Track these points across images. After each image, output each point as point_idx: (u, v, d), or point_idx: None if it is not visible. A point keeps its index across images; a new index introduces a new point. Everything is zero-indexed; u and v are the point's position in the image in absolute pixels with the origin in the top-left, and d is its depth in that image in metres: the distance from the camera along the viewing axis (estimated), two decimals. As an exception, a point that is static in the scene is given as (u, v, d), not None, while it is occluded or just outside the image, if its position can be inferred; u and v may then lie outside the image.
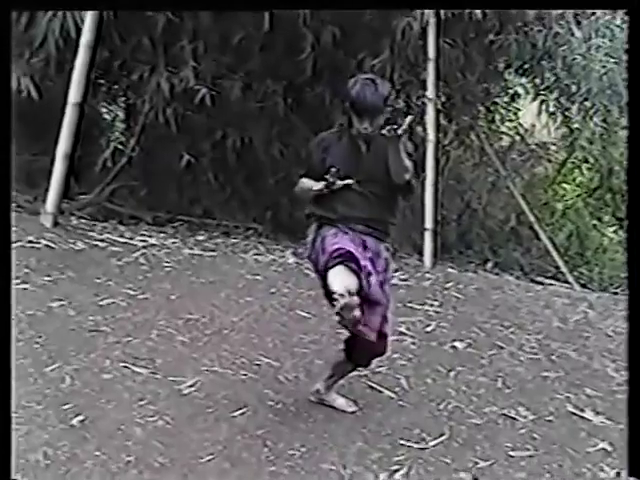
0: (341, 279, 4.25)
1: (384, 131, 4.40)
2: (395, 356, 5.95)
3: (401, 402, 5.23)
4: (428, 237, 8.90)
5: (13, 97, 7.31)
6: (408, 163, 4.62)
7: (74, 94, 8.08)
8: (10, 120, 3.66)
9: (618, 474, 4.51)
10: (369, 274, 4.45)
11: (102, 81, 10.03)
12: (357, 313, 4.15)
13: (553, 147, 13.39)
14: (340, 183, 4.53)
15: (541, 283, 9.61)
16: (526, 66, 11.22)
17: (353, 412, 4.97)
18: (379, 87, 4.55)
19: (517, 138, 12.92)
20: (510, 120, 12.89)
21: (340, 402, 5.01)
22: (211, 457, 4.29)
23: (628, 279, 3.72)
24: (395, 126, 4.39)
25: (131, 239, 8.36)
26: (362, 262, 4.37)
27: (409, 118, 4.46)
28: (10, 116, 3.66)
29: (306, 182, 4.72)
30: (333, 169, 4.54)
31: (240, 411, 4.84)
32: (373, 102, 4.51)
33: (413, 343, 6.31)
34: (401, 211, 5.36)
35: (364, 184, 4.61)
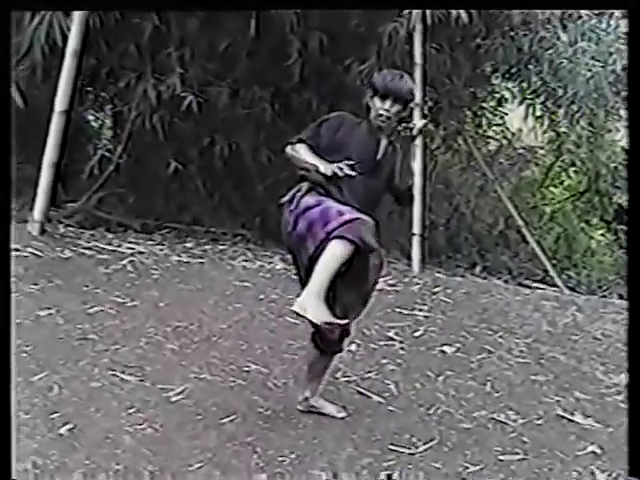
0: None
1: (400, 128, 4.41)
2: (384, 361, 5.96)
3: (390, 407, 5.22)
4: (416, 242, 8.92)
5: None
6: (414, 168, 4.65)
7: (60, 102, 8.06)
8: (10, 120, 3.64)
9: (609, 477, 4.52)
10: None
11: (89, 88, 10.02)
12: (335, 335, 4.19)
13: (540, 151, 13.45)
14: (344, 173, 4.42)
15: (529, 287, 9.63)
16: (512, 70, 11.27)
17: (342, 418, 4.97)
18: (405, 77, 4.59)
19: (504, 142, 12.97)
20: (497, 124, 12.95)
21: (329, 408, 5.00)
22: (200, 464, 4.28)
23: (628, 279, 3.72)
24: (410, 125, 4.40)
25: (119, 247, 8.34)
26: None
27: (424, 120, 4.48)
28: (10, 116, 3.65)
29: (305, 153, 4.60)
30: (351, 162, 4.43)
31: (229, 418, 4.82)
32: (397, 86, 4.52)
33: (402, 348, 6.30)
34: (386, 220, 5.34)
35: (368, 181, 4.53)
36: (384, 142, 4.60)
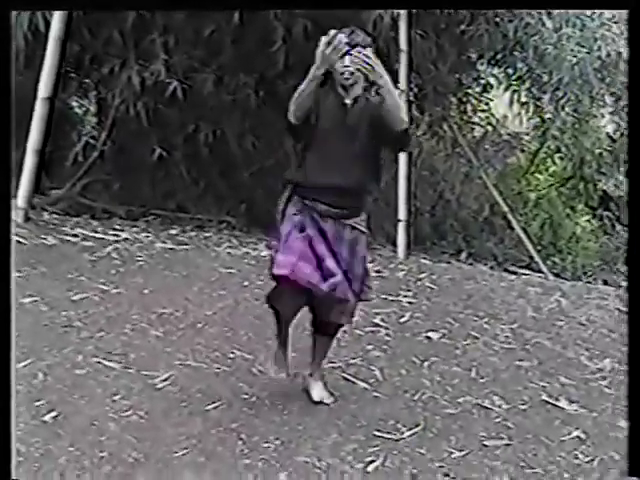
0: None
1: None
2: (369, 347, 5.97)
3: (375, 393, 5.23)
4: (401, 228, 8.92)
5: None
6: (400, 107, 4.65)
7: (44, 88, 8.02)
8: (10, 119, 3.61)
9: (592, 461, 4.54)
10: (330, 272, 4.54)
11: (73, 75, 9.97)
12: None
13: (526, 137, 13.48)
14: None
15: (515, 273, 9.66)
16: (498, 56, 11.29)
17: (327, 404, 4.97)
18: (355, 31, 4.53)
19: (489, 128, 12.97)
20: (482, 110, 12.94)
21: (315, 392, 5.02)
22: (185, 451, 4.27)
23: (628, 278, 3.73)
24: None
25: (104, 234, 8.33)
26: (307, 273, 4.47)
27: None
28: (10, 115, 3.62)
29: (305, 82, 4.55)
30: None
31: (214, 405, 4.82)
32: (352, 40, 4.46)
33: (387, 334, 6.32)
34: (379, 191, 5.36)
35: (346, 144, 4.59)
36: (349, 101, 4.63)
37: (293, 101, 4.54)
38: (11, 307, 3.39)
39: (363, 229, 4.77)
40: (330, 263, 4.54)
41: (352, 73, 4.52)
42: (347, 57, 4.45)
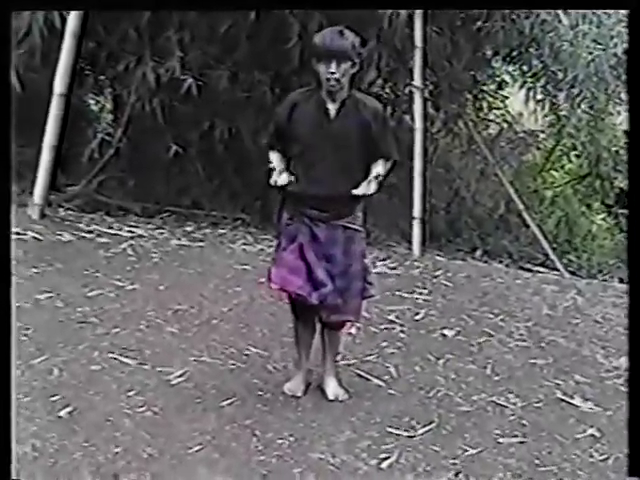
0: None
1: None
2: (384, 344, 5.96)
3: (390, 390, 5.21)
4: (417, 225, 8.91)
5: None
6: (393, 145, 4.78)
7: (59, 85, 8.05)
8: (10, 118, 3.63)
9: (606, 459, 4.52)
10: (319, 283, 4.59)
11: (89, 72, 10.00)
12: None
13: (541, 134, 13.42)
14: (279, 183, 4.56)
15: (530, 270, 9.63)
16: (513, 53, 11.26)
17: (342, 401, 4.97)
18: (345, 34, 4.49)
19: (505, 126, 12.91)
20: (498, 108, 12.91)
21: (329, 389, 5.01)
22: (200, 447, 4.28)
23: (629, 279, 3.71)
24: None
25: (119, 230, 8.35)
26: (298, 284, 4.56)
27: None
28: (10, 114, 3.63)
29: (274, 157, 4.76)
30: (289, 178, 4.58)
31: (229, 401, 4.82)
32: (338, 46, 4.44)
33: (402, 331, 6.30)
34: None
35: (331, 152, 4.58)
36: (333, 106, 4.60)
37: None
38: (11, 306, 3.39)
39: (357, 227, 4.76)
40: (320, 273, 4.57)
41: (338, 80, 4.48)
42: (332, 63, 4.43)
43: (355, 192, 4.48)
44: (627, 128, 5.51)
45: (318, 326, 4.99)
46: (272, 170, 4.64)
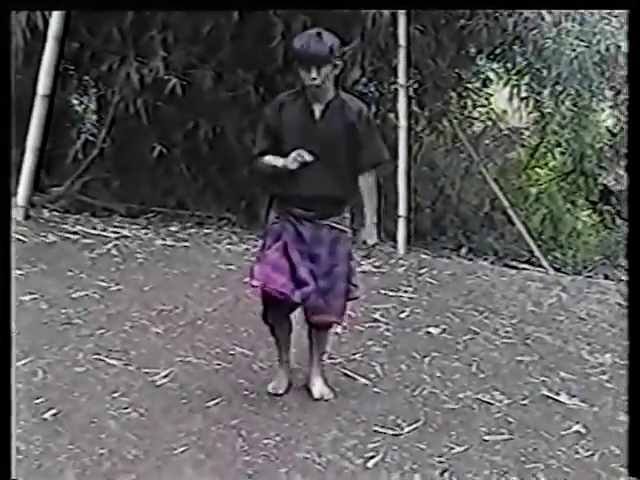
0: None
1: None
2: (369, 343, 5.97)
3: (376, 389, 5.23)
4: (402, 224, 8.91)
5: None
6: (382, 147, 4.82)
7: (43, 86, 8.02)
8: (10, 118, 3.61)
9: (592, 455, 4.54)
10: (302, 282, 4.59)
11: (72, 72, 9.97)
12: None
13: (525, 132, 13.44)
14: (307, 158, 4.51)
15: (515, 267, 9.65)
16: (497, 51, 11.28)
17: (327, 400, 4.97)
18: (323, 37, 4.50)
19: (489, 123, 12.94)
20: (482, 105, 12.91)
21: (315, 388, 5.01)
22: (185, 448, 4.28)
23: (629, 278, 3.72)
24: None
25: (103, 231, 8.33)
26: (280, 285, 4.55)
27: None
28: (10, 115, 3.62)
29: (272, 159, 4.67)
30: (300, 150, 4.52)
31: (214, 401, 4.82)
32: (317, 51, 4.44)
33: (387, 330, 6.31)
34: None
35: (317, 153, 4.55)
36: (318, 108, 4.63)
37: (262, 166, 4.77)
38: (11, 306, 3.38)
39: (343, 228, 4.77)
40: (303, 272, 4.58)
41: (319, 85, 4.50)
42: (313, 68, 4.44)
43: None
44: (627, 128, 5.50)
45: (305, 326, 4.99)
46: (275, 168, 4.65)
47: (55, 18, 8.00)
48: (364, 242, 4.84)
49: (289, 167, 4.51)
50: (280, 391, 4.98)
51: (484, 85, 12.63)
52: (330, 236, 4.70)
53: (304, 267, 4.59)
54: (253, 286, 4.65)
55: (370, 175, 4.78)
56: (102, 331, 5.75)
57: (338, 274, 4.73)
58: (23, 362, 5.12)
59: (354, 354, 5.73)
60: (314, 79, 4.45)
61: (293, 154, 4.49)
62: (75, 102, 11.23)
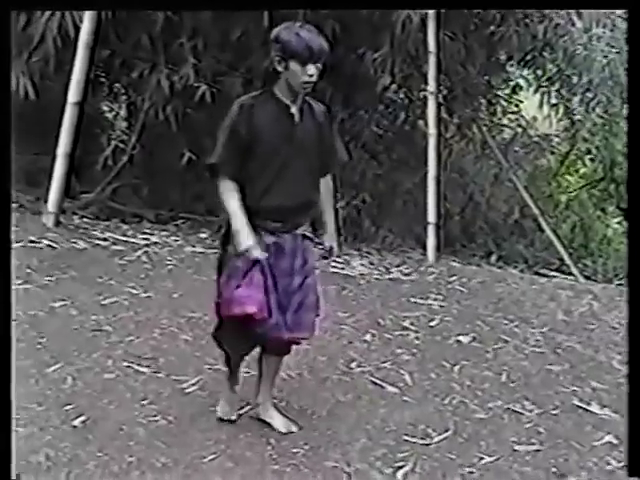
0: None
1: None
2: (399, 351, 5.94)
3: (405, 397, 5.20)
4: (431, 231, 8.88)
5: (12, 97, 7.30)
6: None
7: (73, 93, 8.07)
8: (10, 120, 3.62)
9: (624, 467, 4.48)
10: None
11: (103, 79, 10.02)
12: None
13: (556, 139, 13.35)
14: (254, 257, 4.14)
15: (545, 275, 9.60)
16: (527, 58, 11.22)
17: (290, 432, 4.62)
18: (319, 33, 4.19)
19: (519, 130, 12.87)
20: (512, 112, 12.86)
21: (277, 422, 4.65)
22: (214, 456, 4.27)
23: (628, 277, 3.69)
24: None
25: (133, 238, 8.35)
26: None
27: None
28: (10, 116, 3.62)
29: (233, 211, 4.19)
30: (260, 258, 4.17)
31: (243, 410, 4.81)
32: (322, 46, 4.11)
33: (417, 338, 6.28)
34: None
35: (294, 157, 4.25)
36: (295, 109, 4.25)
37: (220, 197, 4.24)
38: (11, 306, 3.37)
39: (311, 236, 4.46)
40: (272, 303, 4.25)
41: (309, 85, 4.16)
42: (312, 65, 4.07)
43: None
44: (627, 128, 5.46)
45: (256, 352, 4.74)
46: (232, 230, 4.20)
47: (86, 24, 8.04)
48: (330, 249, 4.54)
49: (240, 245, 4.14)
50: (233, 417, 4.70)
51: (514, 92, 12.58)
52: (303, 245, 4.39)
53: (273, 296, 4.26)
54: (247, 314, 4.23)
55: (329, 177, 4.55)
56: (131, 338, 5.76)
57: (309, 286, 4.42)
58: (53, 368, 5.13)
59: (383, 362, 5.71)
60: (311, 76, 4.09)
61: (244, 247, 4.13)
62: (105, 109, 11.31)
